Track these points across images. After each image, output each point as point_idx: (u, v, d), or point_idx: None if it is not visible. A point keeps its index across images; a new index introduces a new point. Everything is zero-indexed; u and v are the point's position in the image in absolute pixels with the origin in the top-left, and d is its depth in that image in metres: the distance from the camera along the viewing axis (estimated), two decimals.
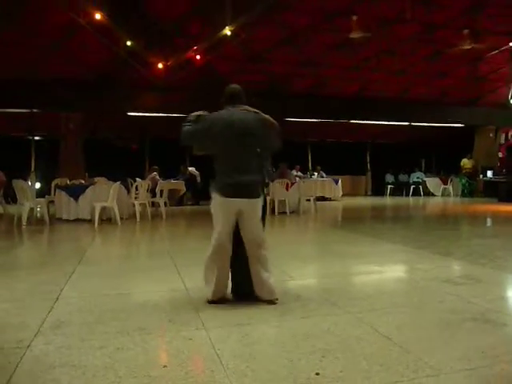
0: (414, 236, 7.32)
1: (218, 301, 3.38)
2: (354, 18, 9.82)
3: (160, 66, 10.66)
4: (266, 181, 3.66)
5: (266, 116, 3.41)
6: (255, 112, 3.38)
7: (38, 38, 10.09)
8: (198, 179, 14.22)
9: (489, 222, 9.99)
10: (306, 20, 10.35)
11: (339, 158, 18.48)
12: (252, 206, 3.30)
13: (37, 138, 16.08)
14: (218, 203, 3.31)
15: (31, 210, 9.05)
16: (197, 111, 3.48)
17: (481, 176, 16.60)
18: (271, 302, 3.35)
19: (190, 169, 14.58)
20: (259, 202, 3.35)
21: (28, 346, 2.56)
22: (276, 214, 10.42)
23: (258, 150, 3.43)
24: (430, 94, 15.48)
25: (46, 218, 8.95)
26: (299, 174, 15.37)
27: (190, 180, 14.26)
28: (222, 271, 3.38)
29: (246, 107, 3.40)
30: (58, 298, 3.56)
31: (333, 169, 17.45)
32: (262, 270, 3.39)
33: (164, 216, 10.05)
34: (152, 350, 2.60)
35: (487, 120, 16.77)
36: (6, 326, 2.93)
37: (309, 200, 11.41)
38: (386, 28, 10.62)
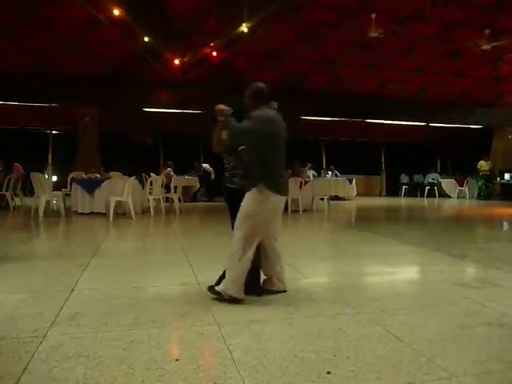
0: (428, 237, 7.24)
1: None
2: (373, 15, 9.74)
3: (176, 62, 10.73)
4: None
5: None
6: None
7: (57, 33, 10.23)
8: (212, 176, 14.26)
9: (505, 225, 9.83)
10: (323, 17, 10.29)
11: (354, 158, 18.35)
12: (284, 202, 3.57)
13: (54, 131, 16.34)
14: (271, 201, 3.33)
15: (48, 202, 9.20)
16: (221, 106, 3.39)
17: (498, 178, 16.34)
18: (282, 291, 3.59)
19: (204, 165, 14.64)
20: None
21: (44, 336, 2.61)
22: (289, 212, 10.41)
23: None
24: (448, 94, 15.28)
25: (62, 210, 9.08)
26: (312, 172, 15.31)
27: (204, 176, 14.32)
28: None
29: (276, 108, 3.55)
30: (73, 290, 3.62)
31: (347, 168, 17.35)
32: (280, 261, 3.64)
33: (178, 211, 10.12)
34: (164, 343, 2.63)
35: (506, 121, 16.49)
36: (23, 315, 2.99)
37: (322, 199, 11.37)
38: (405, 26, 10.50)
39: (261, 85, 3.49)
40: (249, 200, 3.31)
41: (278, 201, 3.41)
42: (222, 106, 3.36)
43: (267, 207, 3.33)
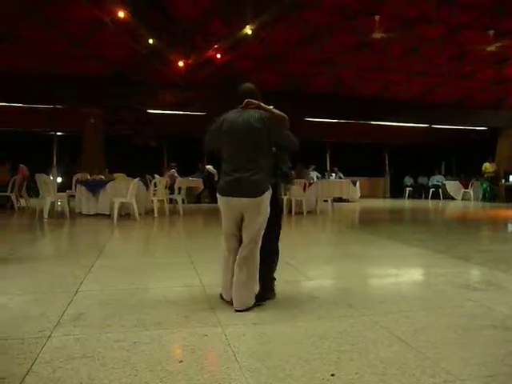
0: (433, 239, 7.21)
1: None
2: (376, 17, 9.73)
3: (180, 64, 10.75)
4: (282, 182, 3.61)
5: (276, 112, 3.25)
6: (265, 110, 3.26)
7: (61, 35, 10.28)
8: (216, 177, 14.28)
9: (510, 227, 9.78)
10: (326, 19, 10.29)
11: (358, 160, 18.34)
12: (252, 205, 3.18)
13: (59, 133, 16.41)
14: (220, 201, 3.34)
15: (52, 203, 9.24)
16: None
17: (503, 181, 16.27)
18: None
19: (207, 167, 14.66)
20: (260, 201, 3.17)
21: (48, 337, 2.61)
22: (293, 214, 10.40)
23: (274, 149, 3.36)
24: (452, 96, 15.24)
25: (67, 211, 9.12)
26: (316, 173, 15.30)
27: (207, 178, 14.34)
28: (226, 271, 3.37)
29: (255, 104, 3.28)
30: (77, 291, 3.63)
31: (351, 170, 17.34)
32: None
33: (181, 213, 10.14)
34: (168, 344, 2.63)
35: (511, 123, 16.42)
36: (28, 316, 3.00)
37: (326, 201, 11.36)
38: (409, 28, 10.48)
39: (244, 85, 3.44)
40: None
41: (224, 201, 3.27)
42: None
43: (220, 207, 3.35)
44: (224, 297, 3.37)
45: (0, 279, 4.12)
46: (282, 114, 3.26)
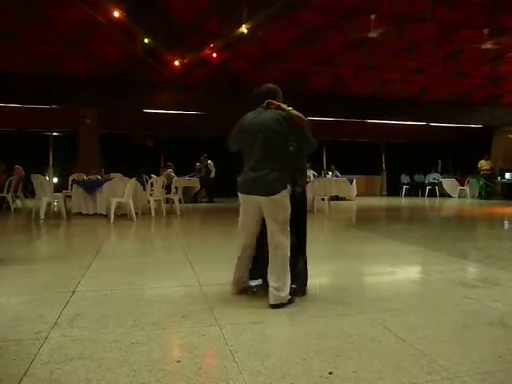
0: (429, 237, 7.24)
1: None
2: (373, 16, 9.73)
3: (176, 63, 10.73)
4: (298, 180, 3.67)
5: (294, 113, 3.33)
6: (283, 109, 3.35)
7: (57, 35, 10.23)
8: (212, 174, 14.20)
9: (506, 224, 9.82)
10: (323, 18, 10.28)
11: (354, 158, 18.38)
12: (270, 203, 3.26)
13: (55, 133, 16.36)
14: (240, 199, 3.45)
15: (49, 204, 9.21)
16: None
17: (499, 178, 16.33)
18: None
19: (209, 162, 14.58)
20: (278, 199, 3.24)
21: (45, 338, 2.61)
22: None
23: (291, 148, 3.43)
24: (449, 94, 15.26)
25: (63, 212, 9.09)
26: (312, 172, 15.31)
27: (204, 177, 14.32)
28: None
29: (274, 104, 3.40)
30: (74, 292, 3.62)
31: (348, 168, 17.37)
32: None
33: (178, 212, 10.12)
34: (166, 345, 2.62)
35: (506, 120, 16.48)
36: (25, 317, 2.99)
37: (323, 199, 11.37)
38: (405, 27, 10.49)
39: (266, 86, 3.56)
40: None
41: (244, 198, 3.40)
42: None
43: (241, 206, 3.45)
44: (234, 290, 3.52)
45: None
46: (300, 115, 3.35)
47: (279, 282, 3.22)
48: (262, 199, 3.26)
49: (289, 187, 3.33)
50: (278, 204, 3.25)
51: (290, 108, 3.35)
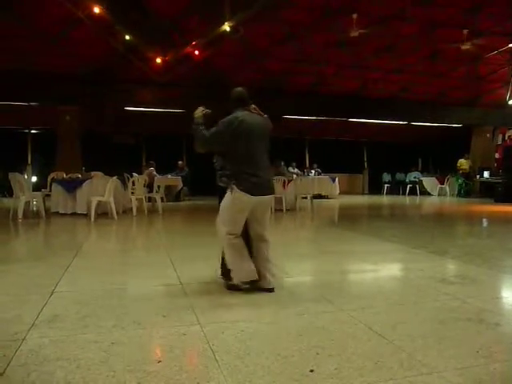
0: (409, 235, 7.34)
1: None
2: (354, 15, 9.81)
3: (158, 61, 10.63)
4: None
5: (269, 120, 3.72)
6: (265, 117, 3.69)
7: (36, 31, 10.03)
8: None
9: (485, 222, 10.03)
10: (305, 17, 10.33)
11: (337, 156, 18.50)
12: (271, 202, 3.69)
13: (33, 131, 16.04)
14: (242, 201, 3.45)
15: (27, 203, 9.02)
16: (198, 108, 3.66)
17: (477, 176, 16.66)
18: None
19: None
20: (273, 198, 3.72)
21: (23, 340, 2.55)
22: (272, 211, 10.42)
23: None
24: (428, 94, 15.50)
25: (42, 211, 8.92)
26: (296, 171, 15.37)
27: (186, 176, 14.26)
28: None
29: (257, 110, 3.65)
30: (53, 292, 3.56)
31: (330, 167, 17.47)
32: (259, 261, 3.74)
33: (160, 211, 10.04)
34: (146, 344, 2.60)
35: (485, 120, 16.82)
36: (1, 319, 2.92)
37: (305, 198, 11.42)
38: (386, 26, 10.61)
39: (238, 90, 3.68)
40: (226, 198, 3.53)
41: (255, 200, 3.47)
42: (197, 112, 3.61)
43: (235, 206, 3.48)
44: (245, 279, 3.55)
45: None
46: None
47: (272, 268, 3.66)
48: (268, 198, 3.61)
49: None
50: (272, 201, 3.68)
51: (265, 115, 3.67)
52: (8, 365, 2.23)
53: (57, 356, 2.35)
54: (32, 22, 9.74)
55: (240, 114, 3.51)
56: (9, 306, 3.23)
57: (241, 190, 3.41)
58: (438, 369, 2.24)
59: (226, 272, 3.66)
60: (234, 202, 3.45)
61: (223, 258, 3.66)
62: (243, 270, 3.53)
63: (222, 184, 3.64)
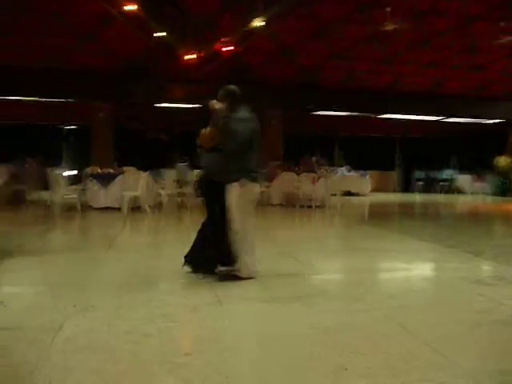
0: (443, 234, 7.15)
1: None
2: (388, 9, 9.60)
3: (190, 57, 10.71)
4: None
5: None
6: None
7: (72, 29, 10.29)
8: None
9: None
10: (337, 12, 10.18)
11: (368, 153, 18.19)
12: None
13: (69, 127, 16.51)
14: (252, 191, 3.71)
15: (64, 197, 9.30)
16: (214, 102, 3.85)
17: None
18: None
19: None
20: None
21: (60, 328, 2.64)
22: (302, 207, 10.37)
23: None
24: (465, 88, 15.00)
25: (78, 205, 9.18)
26: (322, 161, 15.05)
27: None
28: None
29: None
30: (88, 283, 3.66)
31: (361, 164, 17.19)
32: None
33: (190, 206, 10.16)
34: (175, 337, 2.64)
35: None
36: (40, 307, 3.04)
37: (335, 195, 11.29)
38: (421, 20, 10.33)
39: (234, 87, 3.87)
40: (232, 196, 3.65)
41: (257, 190, 3.86)
42: (215, 105, 3.78)
43: (246, 198, 3.70)
44: (253, 275, 3.75)
45: (13, 271, 4.17)
46: None
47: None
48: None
49: None
50: None
51: None
52: (46, 351, 2.31)
53: (91, 345, 2.42)
54: (67, 20, 9.98)
55: (247, 114, 3.74)
56: (47, 294, 3.35)
57: (250, 181, 3.67)
58: (473, 372, 2.18)
59: (225, 261, 3.78)
60: (245, 194, 3.65)
61: (209, 249, 3.83)
62: (254, 266, 3.76)
63: (216, 179, 3.74)
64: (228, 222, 3.68)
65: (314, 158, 12.69)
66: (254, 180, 3.72)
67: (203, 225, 3.97)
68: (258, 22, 9.29)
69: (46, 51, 11.16)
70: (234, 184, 3.63)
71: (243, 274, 3.71)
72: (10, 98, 12.84)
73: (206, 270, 3.83)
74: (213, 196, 3.77)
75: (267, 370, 2.17)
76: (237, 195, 3.64)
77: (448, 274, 4.27)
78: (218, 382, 2.05)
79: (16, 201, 10.72)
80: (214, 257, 3.81)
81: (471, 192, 16.84)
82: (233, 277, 3.73)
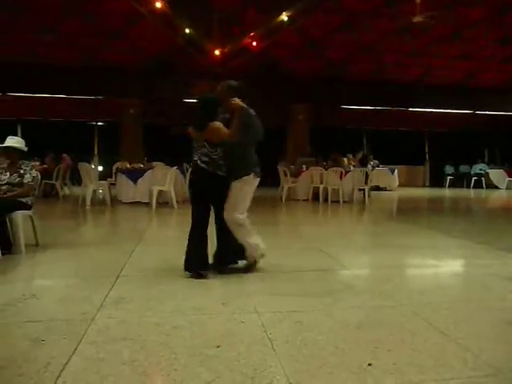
0: (474, 230, 6.99)
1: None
2: (417, 0, 9.38)
3: (217, 53, 10.78)
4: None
5: None
6: None
7: (100, 27, 10.50)
8: None
9: None
10: (365, 4, 10.02)
11: (396, 147, 17.89)
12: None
13: (100, 123, 16.87)
14: (255, 184, 3.87)
15: (94, 191, 9.54)
16: (235, 100, 3.82)
17: None
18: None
19: None
20: None
21: (92, 319, 2.73)
22: (329, 203, 10.31)
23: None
24: (496, 81, 14.55)
25: (108, 199, 9.40)
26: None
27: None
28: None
29: None
30: (119, 276, 3.75)
31: (389, 158, 16.92)
32: None
33: None
34: (206, 330, 2.68)
35: None
36: (72, 299, 3.14)
37: (363, 189, 11.18)
38: (452, 11, 10.06)
39: (236, 82, 4.02)
40: (236, 189, 3.75)
41: (256, 182, 3.92)
42: (237, 101, 3.79)
43: (251, 190, 3.86)
44: (264, 252, 3.93)
45: (46, 263, 4.32)
46: None
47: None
48: None
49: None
50: None
51: None
52: (79, 342, 2.40)
53: (123, 336, 2.49)
54: (96, 19, 10.19)
55: (249, 108, 3.78)
56: (79, 287, 3.46)
57: (257, 173, 3.82)
58: (505, 370, 2.14)
59: (239, 255, 3.91)
60: (250, 186, 3.81)
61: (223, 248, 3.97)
62: (261, 244, 3.90)
63: (221, 173, 3.77)
64: (229, 215, 3.80)
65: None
66: (258, 174, 3.87)
67: (218, 219, 4.00)
68: (284, 16, 9.27)
69: (77, 50, 11.45)
70: (246, 177, 3.76)
71: (257, 256, 3.88)
72: (42, 95, 13.22)
73: (232, 262, 3.95)
74: (212, 191, 3.84)
75: (294, 362, 2.19)
76: (249, 187, 3.81)
77: (479, 270, 4.17)
78: (247, 373, 2.08)
79: (49, 195, 11.07)
80: (240, 250, 3.86)
81: (504, 187, 16.35)
82: (257, 270, 3.89)
